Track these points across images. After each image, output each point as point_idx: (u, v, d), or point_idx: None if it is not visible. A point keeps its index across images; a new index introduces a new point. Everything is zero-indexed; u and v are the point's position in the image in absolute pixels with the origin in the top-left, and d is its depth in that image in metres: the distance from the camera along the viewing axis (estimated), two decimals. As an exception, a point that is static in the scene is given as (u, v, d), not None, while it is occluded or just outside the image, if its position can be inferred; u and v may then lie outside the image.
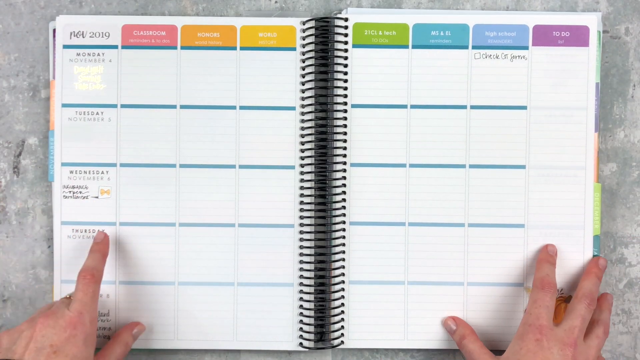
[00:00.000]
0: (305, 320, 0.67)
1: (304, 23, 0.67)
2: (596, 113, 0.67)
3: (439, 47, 0.67)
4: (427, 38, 0.67)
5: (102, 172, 0.67)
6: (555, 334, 0.59)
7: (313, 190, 0.67)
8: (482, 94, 0.67)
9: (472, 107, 0.67)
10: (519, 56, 0.67)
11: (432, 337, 0.67)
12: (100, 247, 0.64)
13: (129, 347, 0.64)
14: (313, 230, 0.66)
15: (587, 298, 0.62)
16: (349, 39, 0.67)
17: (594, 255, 0.67)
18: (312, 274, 0.66)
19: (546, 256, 0.65)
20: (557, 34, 0.67)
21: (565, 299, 0.67)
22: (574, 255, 0.67)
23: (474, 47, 0.67)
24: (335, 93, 0.66)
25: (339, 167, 0.67)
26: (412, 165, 0.67)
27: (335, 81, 0.66)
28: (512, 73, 0.67)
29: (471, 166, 0.67)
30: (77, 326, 0.57)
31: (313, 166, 0.67)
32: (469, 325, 0.66)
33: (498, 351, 0.63)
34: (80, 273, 0.61)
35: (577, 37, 0.67)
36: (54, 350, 0.55)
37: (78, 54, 0.67)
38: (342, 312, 0.67)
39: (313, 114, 0.66)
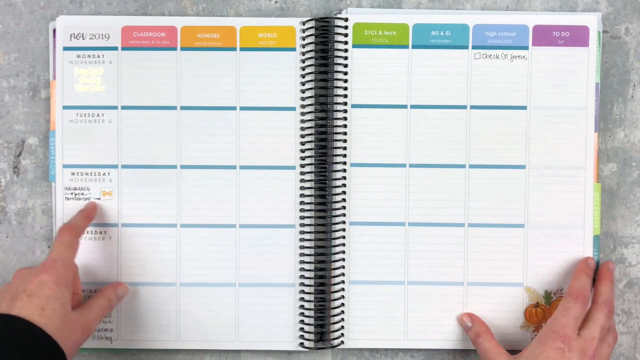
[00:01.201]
0: (306, 320, 0.67)
1: (303, 23, 0.67)
2: (596, 113, 0.67)
3: (439, 47, 0.67)
4: (427, 38, 0.67)
5: (104, 174, 0.67)
6: (577, 345, 0.59)
7: (313, 190, 0.67)
8: (482, 94, 0.67)
9: (472, 107, 0.67)
10: (519, 56, 0.67)
11: (432, 337, 0.67)
12: (86, 211, 0.65)
13: (113, 304, 0.64)
14: (313, 230, 0.66)
15: (607, 306, 0.62)
16: (349, 39, 0.67)
17: (596, 259, 0.67)
18: (312, 274, 0.67)
19: (585, 268, 0.65)
20: (557, 34, 0.67)
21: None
22: (573, 255, 0.67)
23: (474, 47, 0.67)
24: (335, 93, 0.66)
25: (339, 167, 0.67)
26: (412, 165, 0.67)
27: (335, 81, 0.66)
28: (512, 73, 0.67)
29: (471, 166, 0.67)
30: (49, 270, 0.57)
31: (313, 166, 0.67)
32: (485, 323, 0.66)
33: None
34: (61, 226, 0.63)
35: (577, 37, 0.67)
36: (28, 294, 0.55)
37: (78, 56, 0.67)
38: (342, 312, 0.67)
39: (313, 114, 0.66)
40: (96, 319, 0.61)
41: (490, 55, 0.67)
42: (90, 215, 0.66)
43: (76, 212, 0.65)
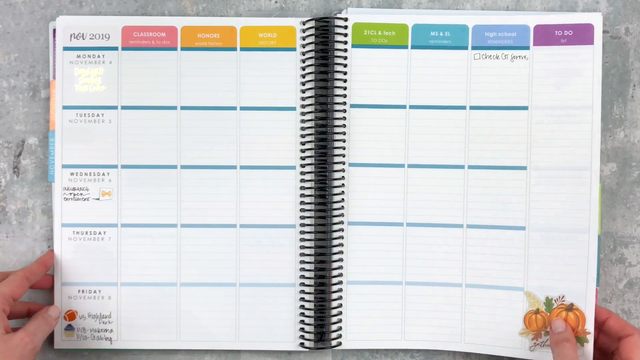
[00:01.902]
0: (306, 320, 0.67)
1: (304, 23, 0.67)
2: (597, 113, 0.67)
3: (438, 47, 0.67)
4: (427, 38, 0.67)
5: (103, 174, 0.67)
6: None
7: (313, 190, 0.67)
8: (482, 94, 0.66)
9: (472, 107, 0.66)
10: (519, 56, 0.66)
11: (429, 338, 0.67)
12: (43, 259, 0.68)
13: (52, 325, 0.65)
14: (313, 230, 0.66)
15: None
16: (349, 39, 0.67)
17: (596, 259, 0.66)
18: (312, 274, 0.67)
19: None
20: (560, 33, 0.66)
21: (566, 307, 0.66)
22: (577, 260, 0.65)
23: (473, 48, 0.66)
24: (334, 93, 0.66)
25: (339, 167, 0.66)
26: (410, 166, 0.67)
27: (334, 81, 0.66)
28: (513, 73, 0.67)
29: (470, 167, 0.67)
30: None
31: (313, 166, 0.67)
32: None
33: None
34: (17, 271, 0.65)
35: (581, 35, 0.66)
36: None
37: (78, 56, 0.67)
38: (341, 312, 0.67)
39: (313, 114, 0.66)
40: (36, 333, 0.62)
41: (490, 55, 0.66)
42: (47, 264, 0.67)
43: (34, 261, 0.67)
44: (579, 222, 0.66)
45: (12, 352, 0.59)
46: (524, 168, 0.66)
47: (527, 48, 0.66)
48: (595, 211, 0.65)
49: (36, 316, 0.64)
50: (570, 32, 0.66)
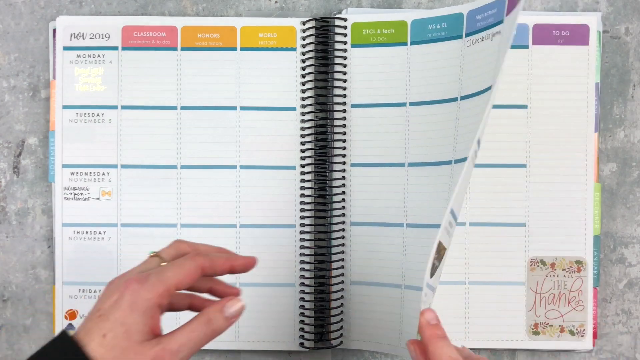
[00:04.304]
0: (306, 320, 0.67)
1: (304, 23, 0.67)
2: (596, 113, 0.67)
3: (435, 40, 0.66)
4: (425, 32, 0.66)
5: (103, 174, 0.67)
6: None
7: (313, 190, 0.67)
8: (473, 81, 0.66)
9: (462, 97, 0.66)
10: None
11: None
12: (232, 256, 0.52)
13: (216, 327, 0.49)
14: (313, 230, 0.66)
15: None
16: (348, 39, 0.67)
17: (596, 259, 0.67)
18: (312, 274, 0.67)
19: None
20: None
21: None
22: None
23: (467, 35, 0.65)
24: (334, 93, 0.66)
25: (339, 167, 0.66)
26: (410, 165, 0.67)
27: (334, 81, 0.66)
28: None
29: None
30: (133, 286, 0.46)
31: (313, 166, 0.67)
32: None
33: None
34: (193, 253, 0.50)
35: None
36: (100, 314, 0.45)
37: (78, 56, 0.67)
38: (342, 312, 0.67)
39: (313, 114, 0.66)
40: (181, 349, 0.47)
41: (481, 39, 0.64)
42: (235, 267, 0.51)
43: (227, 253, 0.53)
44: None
45: None
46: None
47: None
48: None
49: (198, 317, 0.48)
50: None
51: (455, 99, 0.65)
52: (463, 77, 0.65)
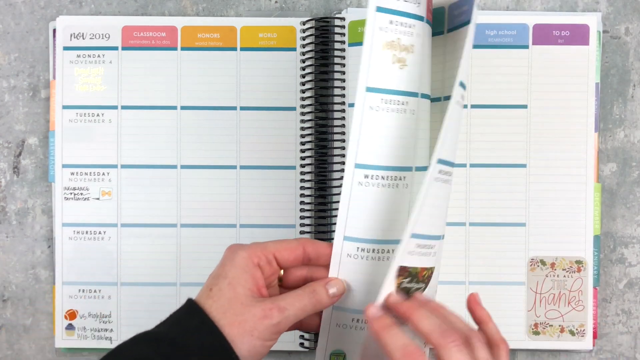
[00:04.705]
0: (306, 320, 0.67)
1: (303, 23, 0.67)
2: (596, 113, 0.67)
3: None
4: None
5: (103, 174, 0.67)
6: None
7: (313, 190, 0.67)
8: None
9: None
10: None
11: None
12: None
13: (321, 299, 0.51)
14: (313, 230, 0.66)
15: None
16: (346, 38, 0.66)
17: (596, 259, 0.66)
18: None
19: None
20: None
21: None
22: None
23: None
24: (332, 93, 0.66)
25: (339, 167, 0.66)
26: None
27: (333, 81, 0.66)
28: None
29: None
30: (244, 250, 0.50)
31: (313, 166, 0.67)
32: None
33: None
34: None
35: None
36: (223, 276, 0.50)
37: (78, 56, 0.67)
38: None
39: (313, 114, 0.66)
40: (289, 308, 0.49)
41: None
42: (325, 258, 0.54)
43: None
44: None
45: (247, 323, 0.48)
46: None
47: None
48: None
49: (304, 288, 0.51)
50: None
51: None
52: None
